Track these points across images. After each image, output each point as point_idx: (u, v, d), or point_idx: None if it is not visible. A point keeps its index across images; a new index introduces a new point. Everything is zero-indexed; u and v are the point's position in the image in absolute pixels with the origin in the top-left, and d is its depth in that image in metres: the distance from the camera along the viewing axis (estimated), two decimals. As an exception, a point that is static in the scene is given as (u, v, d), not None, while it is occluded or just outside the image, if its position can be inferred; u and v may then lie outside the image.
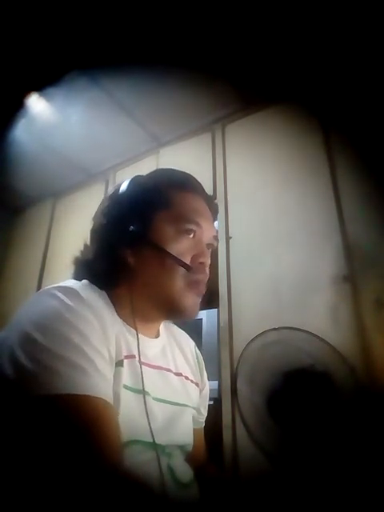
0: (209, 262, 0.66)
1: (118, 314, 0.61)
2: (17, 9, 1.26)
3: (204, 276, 0.64)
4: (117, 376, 0.53)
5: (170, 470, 0.57)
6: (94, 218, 0.67)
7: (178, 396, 0.66)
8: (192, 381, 0.73)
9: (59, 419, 0.42)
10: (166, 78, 1.60)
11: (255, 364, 1.26)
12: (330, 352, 1.14)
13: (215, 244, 0.68)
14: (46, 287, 0.54)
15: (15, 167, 2.14)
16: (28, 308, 0.51)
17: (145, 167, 2.04)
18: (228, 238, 1.56)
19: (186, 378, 0.71)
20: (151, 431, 0.54)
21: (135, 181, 0.67)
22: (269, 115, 1.68)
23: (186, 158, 1.87)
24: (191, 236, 0.63)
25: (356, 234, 1.26)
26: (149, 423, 0.54)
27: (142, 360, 0.59)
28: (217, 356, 1.40)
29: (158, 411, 0.59)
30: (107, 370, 0.50)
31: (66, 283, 0.56)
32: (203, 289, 0.64)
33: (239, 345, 1.33)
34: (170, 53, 1.47)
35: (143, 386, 0.57)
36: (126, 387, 0.55)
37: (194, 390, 0.73)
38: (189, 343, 0.79)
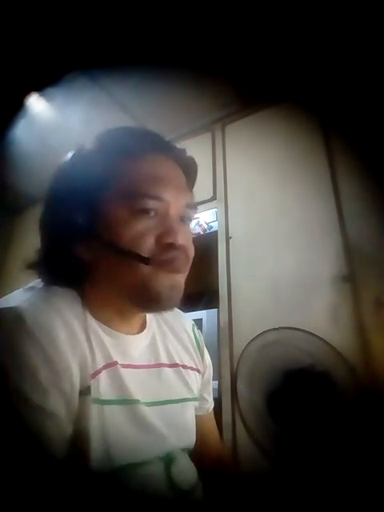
0: (185, 239, 0.53)
1: (93, 315, 0.53)
2: (17, 9, 1.26)
3: (178, 253, 0.52)
4: (92, 394, 0.46)
5: (171, 478, 0.52)
6: (41, 208, 0.57)
7: (175, 391, 0.61)
8: (192, 368, 0.67)
9: None
10: (165, 78, 1.60)
11: (255, 364, 1.26)
12: (329, 352, 1.14)
13: (192, 214, 0.57)
14: None
15: (15, 167, 2.14)
16: None
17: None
18: (228, 238, 1.56)
19: (184, 366, 0.65)
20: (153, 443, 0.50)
21: (77, 155, 0.55)
22: (269, 115, 1.68)
23: (186, 158, 1.87)
24: (151, 214, 0.51)
25: (356, 234, 1.25)
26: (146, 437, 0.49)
27: (125, 363, 0.53)
28: (217, 356, 1.40)
29: (153, 418, 0.53)
30: (59, 406, 0.43)
31: (20, 297, 0.49)
32: (181, 264, 0.53)
33: (239, 345, 1.33)
34: (170, 53, 1.47)
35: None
36: (108, 402, 0.48)
37: (193, 379, 0.66)
38: (184, 324, 0.71)
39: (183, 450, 0.58)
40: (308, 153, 1.49)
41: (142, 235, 0.50)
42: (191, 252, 0.56)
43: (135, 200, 0.50)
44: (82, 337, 0.48)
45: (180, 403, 0.60)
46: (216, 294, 1.49)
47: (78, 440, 0.44)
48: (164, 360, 0.62)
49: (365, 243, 1.22)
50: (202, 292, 1.68)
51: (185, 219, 0.56)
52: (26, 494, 0.38)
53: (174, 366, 0.63)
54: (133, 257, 0.49)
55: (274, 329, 1.27)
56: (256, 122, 1.72)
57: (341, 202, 1.33)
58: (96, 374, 0.48)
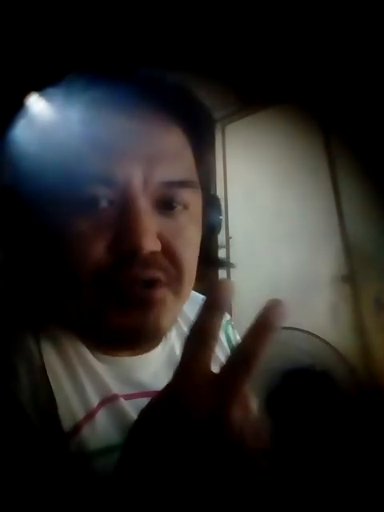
0: (167, 238, 0.34)
1: (84, 340, 0.39)
2: (17, 9, 1.26)
3: (148, 267, 0.33)
4: (87, 444, 0.34)
5: None
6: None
7: None
8: None
9: None
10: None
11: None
12: (329, 352, 1.14)
13: (180, 192, 0.35)
14: None
15: (15, 167, 2.14)
16: None
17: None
18: (228, 238, 1.56)
19: None
20: None
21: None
22: (269, 116, 1.68)
23: (186, 158, 1.87)
24: (102, 205, 0.33)
25: (356, 234, 1.25)
26: None
27: (131, 392, 0.40)
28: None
29: None
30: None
31: None
32: (158, 291, 0.34)
33: (239, 345, 1.33)
34: (170, 53, 1.47)
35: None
36: (111, 449, 0.35)
37: None
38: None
39: None
40: (308, 153, 1.49)
41: (88, 240, 0.32)
42: (184, 257, 0.36)
43: (72, 188, 0.32)
44: (59, 381, 0.35)
45: None
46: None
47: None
48: None
49: (365, 243, 1.22)
50: (201, 292, 1.68)
51: (172, 205, 0.35)
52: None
53: None
54: (62, 282, 0.34)
55: (274, 329, 1.26)
56: (256, 122, 1.72)
57: (341, 202, 1.33)
58: (90, 417, 0.36)
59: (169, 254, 0.34)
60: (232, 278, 1.48)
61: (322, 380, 1.12)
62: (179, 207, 0.36)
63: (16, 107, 0.39)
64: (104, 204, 0.33)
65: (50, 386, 0.34)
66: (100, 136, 0.34)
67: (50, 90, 0.39)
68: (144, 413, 0.27)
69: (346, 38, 1.39)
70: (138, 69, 0.41)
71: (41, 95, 0.39)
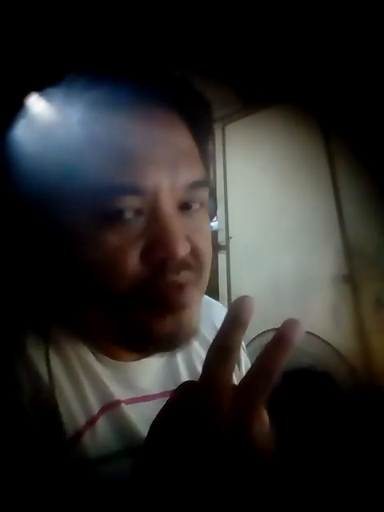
0: (194, 239, 0.35)
1: (89, 344, 0.39)
2: (17, 9, 1.26)
3: (182, 271, 0.33)
4: (88, 450, 0.34)
5: None
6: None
7: None
8: None
9: None
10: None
11: (255, 364, 1.26)
12: (330, 352, 1.14)
13: (201, 194, 0.36)
14: None
15: (15, 167, 2.14)
16: None
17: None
18: (228, 238, 1.56)
19: None
20: None
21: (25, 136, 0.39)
22: (269, 115, 1.68)
23: (186, 158, 1.87)
24: (128, 217, 0.32)
25: (356, 234, 1.25)
26: None
27: (132, 397, 0.40)
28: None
29: None
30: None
31: None
32: (189, 288, 0.34)
33: (239, 345, 1.33)
34: (169, 53, 1.47)
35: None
36: (111, 456, 0.36)
37: None
38: (214, 325, 0.52)
39: None
40: (308, 153, 1.49)
41: (120, 253, 0.32)
42: (206, 252, 0.36)
43: (99, 200, 0.31)
44: (63, 385, 0.35)
45: None
46: (216, 294, 1.49)
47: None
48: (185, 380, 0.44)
49: (365, 243, 1.22)
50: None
51: (191, 205, 0.35)
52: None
53: None
54: (100, 297, 0.33)
55: (274, 329, 1.26)
56: (256, 122, 1.72)
57: (341, 202, 1.33)
58: (91, 423, 0.36)
59: (194, 253, 0.35)
60: (232, 278, 1.48)
61: (323, 380, 1.12)
62: (197, 205, 0.36)
63: (16, 107, 0.39)
64: (132, 214, 0.32)
65: (53, 392, 0.34)
66: (119, 144, 0.33)
67: (54, 90, 0.39)
68: (164, 417, 0.28)
69: (346, 37, 1.39)
70: (135, 65, 0.39)
71: (45, 95, 0.39)
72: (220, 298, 1.47)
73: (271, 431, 0.32)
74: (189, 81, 0.38)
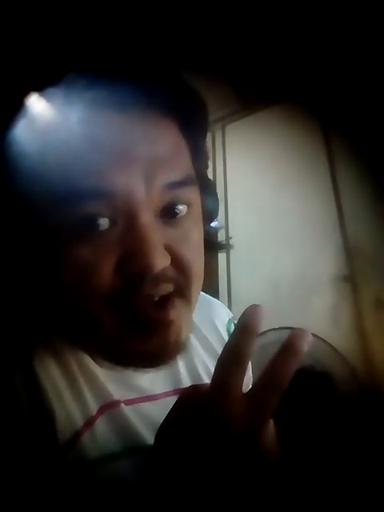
0: (175, 250, 0.31)
1: (89, 347, 0.38)
2: (16, 9, 1.26)
3: (159, 285, 0.31)
4: (86, 451, 0.33)
5: None
6: None
7: None
8: None
9: None
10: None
11: (255, 365, 1.26)
12: (330, 352, 1.14)
13: (181, 194, 0.32)
14: None
15: (15, 167, 2.14)
16: None
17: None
18: (228, 238, 1.56)
19: None
20: None
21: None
22: (269, 115, 1.68)
23: (186, 158, 1.87)
24: (101, 224, 0.29)
25: (356, 234, 1.25)
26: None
27: (132, 397, 0.39)
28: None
29: None
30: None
31: None
32: (173, 310, 0.32)
33: (239, 345, 1.33)
34: (170, 53, 1.47)
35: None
36: (110, 458, 0.35)
37: None
38: (216, 322, 0.52)
39: None
40: (308, 153, 1.49)
41: (89, 268, 0.29)
42: (193, 261, 0.33)
43: (64, 207, 0.28)
44: (61, 387, 0.34)
45: None
46: (216, 294, 1.49)
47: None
48: (187, 383, 0.45)
49: (365, 243, 1.22)
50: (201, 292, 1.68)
51: (174, 210, 0.32)
52: None
53: None
54: (74, 315, 0.32)
55: (274, 329, 1.26)
56: (256, 122, 1.72)
57: (341, 202, 1.33)
58: (89, 424, 0.34)
59: (177, 263, 0.32)
60: (232, 278, 1.48)
61: (322, 380, 1.12)
62: (182, 211, 0.32)
63: (16, 107, 0.39)
64: (103, 223, 0.28)
65: (48, 395, 0.33)
66: (88, 140, 0.29)
67: (50, 90, 0.35)
68: (173, 421, 0.28)
69: (347, 37, 1.39)
70: (126, 63, 0.35)
71: (41, 95, 0.36)
72: (220, 298, 1.47)
73: (275, 436, 0.33)
74: (177, 74, 0.35)
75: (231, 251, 1.53)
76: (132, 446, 0.36)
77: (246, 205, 1.58)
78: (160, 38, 1.41)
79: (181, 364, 0.45)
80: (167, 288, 0.31)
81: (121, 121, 0.30)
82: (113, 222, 0.29)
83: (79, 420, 0.34)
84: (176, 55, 1.44)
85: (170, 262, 0.30)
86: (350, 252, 1.24)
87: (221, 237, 0.57)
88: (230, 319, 0.55)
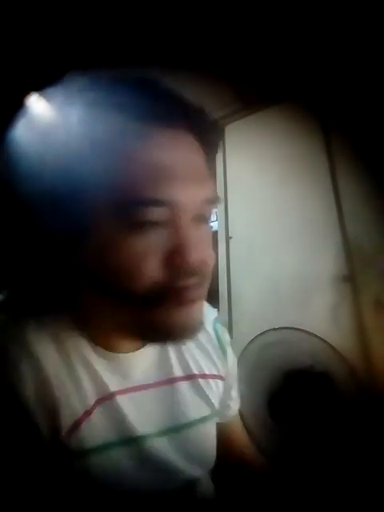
0: (202, 249, 0.38)
1: (88, 336, 0.42)
2: (16, 9, 1.26)
3: (195, 275, 0.37)
4: (84, 440, 0.37)
5: (191, 499, 0.46)
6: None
7: (191, 411, 0.49)
8: (213, 376, 0.55)
9: None
10: (165, 78, 1.59)
11: (255, 364, 1.26)
12: (330, 352, 1.14)
13: (212, 210, 0.42)
14: None
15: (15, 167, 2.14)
16: None
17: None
18: (228, 238, 1.56)
19: (203, 376, 0.53)
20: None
21: (50, 132, 0.40)
22: (269, 115, 1.68)
23: (186, 157, 1.87)
24: (155, 226, 0.36)
25: (356, 233, 1.25)
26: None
27: (126, 387, 0.43)
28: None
29: (165, 452, 0.44)
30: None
31: None
32: (200, 289, 0.39)
33: (239, 345, 1.33)
34: (170, 53, 1.47)
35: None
36: (105, 447, 0.39)
37: (215, 390, 0.54)
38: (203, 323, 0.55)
39: (200, 476, 0.50)
40: (308, 153, 1.49)
41: (143, 258, 0.35)
42: (211, 259, 0.40)
43: (130, 210, 0.34)
44: (59, 380, 0.37)
45: (198, 425, 0.50)
46: (216, 294, 1.49)
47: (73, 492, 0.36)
48: (178, 373, 0.50)
49: (365, 243, 1.22)
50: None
51: (202, 218, 0.40)
52: None
53: (190, 378, 0.51)
54: (124, 297, 0.36)
55: (274, 329, 1.26)
56: (256, 121, 1.72)
57: (341, 202, 1.33)
58: (87, 414, 0.38)
59: (202, 260, 0.38)
60: (232, 278, 1.48)
61: (322, 380, 1.12)
62: (208, 219, 0.41)
63: (16, 107, 0.39)
64: (155, 224, 0.36)
65: (52, 385, 0.36)
66: (154, 161, 0.35)
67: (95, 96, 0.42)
68: None
69: (346, 37, 1.39)
70: (148, 81, 0.42)
71: (92, 101, 0.43)
72: (220, 298, 1.47)
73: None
74: (202, 106, 0.42)
75: (231, 251, 1.53)
76: (125, 436, 0.41)
77: (245, 204, 1.58)
78: (162, 39, 1.41)
79: (173, 358, 0.50)
80: (195, 279, 0.38)
81: (172, 142, 0.37)
82: (164, 224, 0.36)
83: (79, 409, 0.38)
84: (178, 55, 1.45)
85: (202, 258, 0.38)
86: (350, 252, 1.24)
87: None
88: (215, 318, 0.60)
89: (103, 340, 0.42)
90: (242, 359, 1.30)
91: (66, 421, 0.37)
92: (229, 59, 1.52)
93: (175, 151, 0.37)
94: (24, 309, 0.40)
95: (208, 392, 0.52)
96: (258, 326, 1.31)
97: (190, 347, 0.54)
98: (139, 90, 0.40)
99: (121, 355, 0.44)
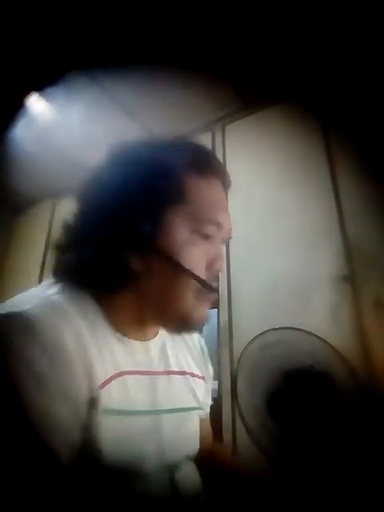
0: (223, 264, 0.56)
1: (111, 322, 0.51)
2: (17, 9, 1.26)
3: (216, 284, 0.53)
4: (101, 404, 0.44)
5: (175, 485, 0.52)
6: (79, 204, 0.53)
7: (183, 400, 0.59)
8: (198, 376, 0.66)
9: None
10: (165, 78, 1.60)
11: (255, 364, 1.26)
12: (330, 352, 1.14)
13: (230, 237, 0.57)
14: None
15: (15, 167, 2.14)
16: None
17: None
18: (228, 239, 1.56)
19: (191, 374, 0.63)
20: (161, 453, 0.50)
21: (136, 157, 0.52)
22: (269, 115, 1.68)
23: (186, 158, 1.87)
24: (209, 240, 0.51)
25: (356, 233, 1.25)
26: (159, 446, 0.50)
27: (135, 370, 0.52)
28: (216, 356, 1.40)
29: (161, 428, 0.52)
30: (66, 415, 0.41)
31: (31, 300, 0.44)
32: (215, 297, 0.54)
33: (239, 345, 1.33)
34: (170, 53, 1.47)
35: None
36: (117, 412, 0.46)
37: (200, 387, 0.65)
38: (192, 336, 0.71)
39: (187, 457, 0.58)
40: (308, 152, 1.49)
41: (199, 258, 0.50)
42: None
43: (200, 223, 0.50)
44: (91, 346, 0.45)
45: (187, 412, 0.59)
46: (216, 294, 1.49)
47: (87, 449, 0.42)
48: (174, 367, 0.60)
49: (365, 243, 1.22)
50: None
51: (224, 242, 0.56)
52: (31, 498, 0.37)
53: (182, 373, 0.61)
54: (195, 278, 0.49)
55: (274, 329, 1.26)
56: (256, 121, 1.72)
57: (341, 202, 1.33)
58: (105, 383, 0.46)
59: (221, 271, 0.55)
60: (232, 278, 1.48)
61: (322, 380, 1.12)
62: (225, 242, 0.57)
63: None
64: (209, 237, 0.51)
65: (87, 350, 0.44)
66: (217, 197, 0.53)
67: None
68: None
69: (346, 37, 1.39)
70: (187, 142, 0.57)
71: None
72: (220, 298, 1.47)
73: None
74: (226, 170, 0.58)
75: (231, 251, 1.53)
76: (131, 408, 0.48)
77: (245, 205, 1.58)
78: (163, 39, 1.41)
79: (170, 353, 0.61)
80: (216, 283, 0.53)
81: (220, 187, 0.56)
82: (211, 239, 0.52)
83: (103, 376, 0.45)
84: (179, 55, 1.45)
85: (222, 269, 0.54)
86: (349, 252, 1.24)
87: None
88: (199, 336, 0.74)
89: (121, 328, 0.52)
90: (242, 359, 1.30)
91: (97, 381, 0.44)
92: (229, 59, 1.52)
93: (221, 192, 0.55)
94: (72, 296, 0.48)
95: (195, 388, 0.63)
96: (258, 326, 1.31)
97: (183, 349, 0.66)
98: (205, 152, 0.56)
99: (134, 342, 0.53)
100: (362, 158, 1.32)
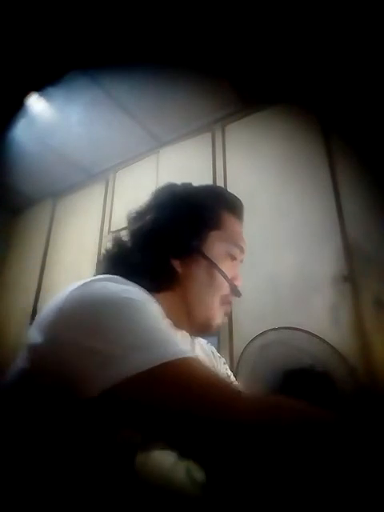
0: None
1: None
2: (17, 9, 1.26)
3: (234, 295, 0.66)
4: None
5: (191, 472, 0.55)
6: (136, 218, 0.66)
7: None
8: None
9: (171, 385, 0.40)
10: (166, 78, 1.60)
11: (255, 364, 1.26)
12: (330, 352, 1.14)
13: (243, 257, 0.71)
14: (81, 282, 0.49)
15: (15, 167, 2.14)
16: (78, 299, 0.46)
17: (145, 167, 2.03)
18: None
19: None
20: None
21: (186, 192, 0.68)
22: (269, 115, 1.68)
23: (186, 157, 1.87)
24: (234, 261, 0.66)
25: (356, 233, 1.26)
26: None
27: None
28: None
29: None
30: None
31: (116, 285, 0.50)
32: (230, 308, 0.66)
33: (239, 345, 1.33)
34: (171, 53, 1.47)
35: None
36: None
37: None
38: (204, 342, 0.79)
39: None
40: (308, 153, 1.49)
41: (227, 273, 0.63)
42: None
43: (231, 245, 0.65)
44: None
45: None
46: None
47: None
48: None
49: (365, 243, 1.22)
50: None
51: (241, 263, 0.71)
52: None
53: None
54: (232, 287, 0.63)
55: (274, 329, 1.26)
56: (256, 122, 1.72)
57: (341, 203, 1.33)
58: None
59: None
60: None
61: (322, 380, 1.12)
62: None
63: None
64: (235, 259, 0.66)
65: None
66: (241, 231, 0.70)
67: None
68: None
69: (346, 38, 1.39)
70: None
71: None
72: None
73: None
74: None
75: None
76: None
77: (245, 205, 1.57)
78: (164, 39, 1.41)
79: (198, 349, 0.71)
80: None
81: (242, 223, 0.72)
82: (235, 261, 0.66)
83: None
84: (179, 55, 1.45)
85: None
86: (349, 252, 1.24)
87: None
88: (207, 342, 0.83)
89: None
90: (242, 359, 1.30)
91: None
92: (229, 59, 1.52)
93: (242, 225, 0.71)
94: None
95: None
96: (257, 325, 1.31)
97: (200, 353, 0.73)
98: (232, 196, 0.72)
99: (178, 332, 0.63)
100: (362, 159, 1.32)
